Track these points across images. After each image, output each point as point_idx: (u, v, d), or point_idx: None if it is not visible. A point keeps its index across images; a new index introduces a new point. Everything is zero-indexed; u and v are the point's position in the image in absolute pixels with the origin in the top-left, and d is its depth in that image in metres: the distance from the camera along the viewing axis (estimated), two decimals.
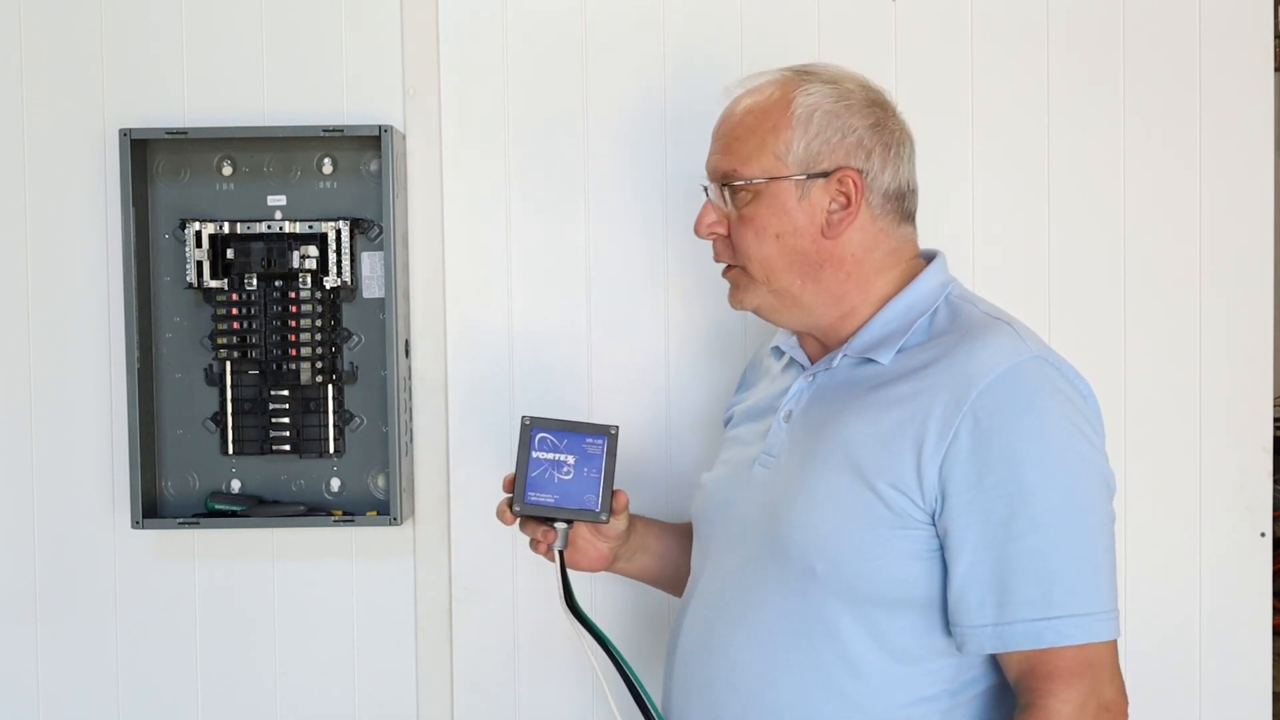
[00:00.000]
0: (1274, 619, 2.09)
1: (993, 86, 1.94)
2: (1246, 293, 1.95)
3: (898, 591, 1.36)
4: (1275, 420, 2.09)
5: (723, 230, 1.48)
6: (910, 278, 1.48)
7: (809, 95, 1.43)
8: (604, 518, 1.54)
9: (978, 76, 1.95)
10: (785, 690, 1.39)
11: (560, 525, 1.56)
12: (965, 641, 1.34)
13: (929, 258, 1.51)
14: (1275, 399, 2.07)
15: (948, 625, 1.36)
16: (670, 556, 1.72)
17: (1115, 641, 1.33)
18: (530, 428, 1.54)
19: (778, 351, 1.61)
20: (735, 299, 1.51)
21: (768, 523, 1.44)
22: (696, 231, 1.50)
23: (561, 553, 1.58)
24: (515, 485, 1.55)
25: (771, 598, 1.41)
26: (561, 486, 1.54)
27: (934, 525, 1.35)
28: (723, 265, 1.53)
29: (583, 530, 1.59)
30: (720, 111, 1.51)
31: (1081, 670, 1.30)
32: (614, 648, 1.58)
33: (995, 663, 1.38)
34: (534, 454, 1.54)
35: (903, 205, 1.49)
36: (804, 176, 1.43)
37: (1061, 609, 1.30)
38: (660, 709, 1.57)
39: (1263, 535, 1.96)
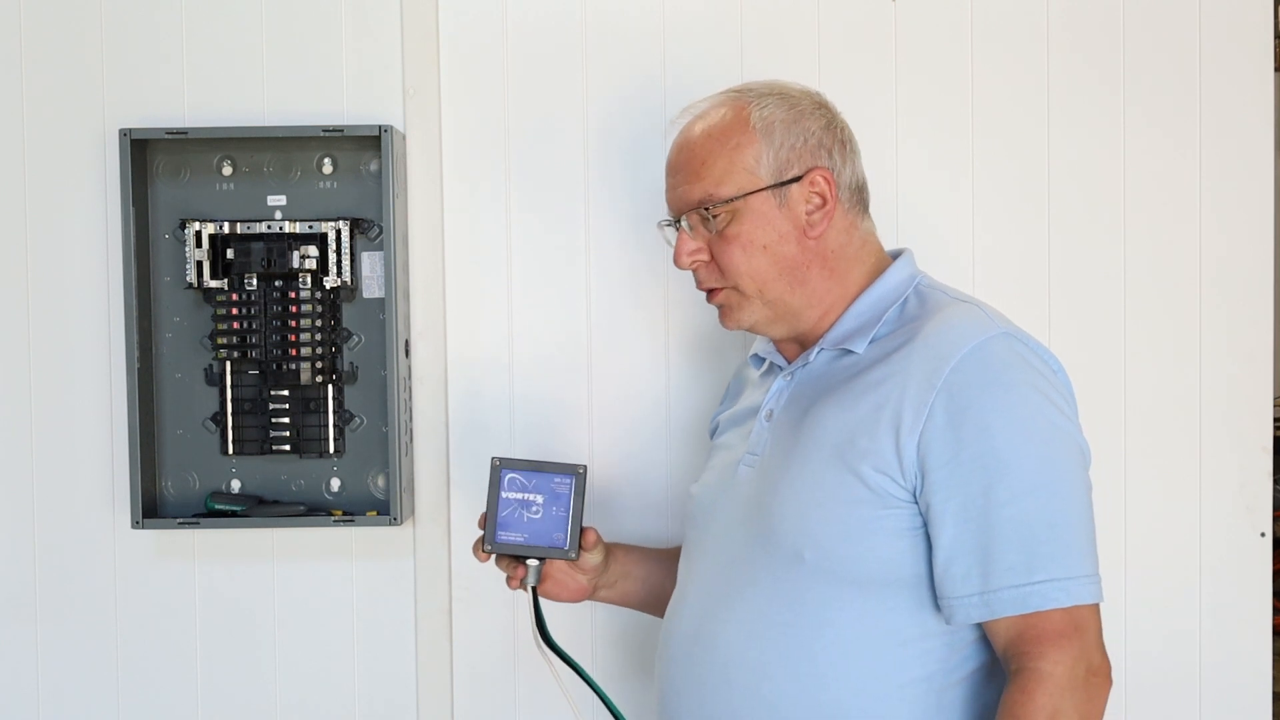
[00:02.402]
0: (1274, 619, 2.09)
1: (993, 86, 1.94)
2: (1246, 293, 1.95)
3: (886, 571, 1.38)
4: (1275, 420, 2.09)
5: (705, 257, 1.51)
6: (880, 272, 1.52)
7: (762, 108, 1.48)
8: (573, 555, 1.60)
9: (978, 76, 1.95)
10: (778, 680, 1.41)
11: (532, 562, 1.61)
12: (953, 613, 1.36)
13: (895, 255, 1.56)
14: (1275, 399, 2.07)
15: (936, 603, 1.38)
16: (654, 581, 1.75)
17: (1099, 607, 1.36)
18: (499, 468, 1.59)
19: (757, 359, 1.65)
20: (730, 319, 1.53)
21: (754, 517, 1.46)
22: (677, 264, 1.53)
23: (534, 589, 1.62)
24: (486, 525, 1.60)
25: (760, 589, 1.43)
26: (531, 526, 1.59)
27: (916, 503, 1.38)
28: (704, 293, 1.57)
29: (559, 564, 1.65)
30: (669, 146, 1.55)
31: (1070, 633, 1.33)
32: (589, 678, 1.64)
33: (986, 641, 1.40)
34: (503, 494, 1.59)
35: (863, 198, 1.54)
36: (779, 184, 1.47)
37: (1044, 573, 1.32)
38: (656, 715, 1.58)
39: (1263, 535, 1.96)
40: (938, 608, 1.38)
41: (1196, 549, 1.95)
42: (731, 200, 1.47)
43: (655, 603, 1.74)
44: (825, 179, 1.48)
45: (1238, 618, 1.96)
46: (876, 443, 1.37)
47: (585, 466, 1.59)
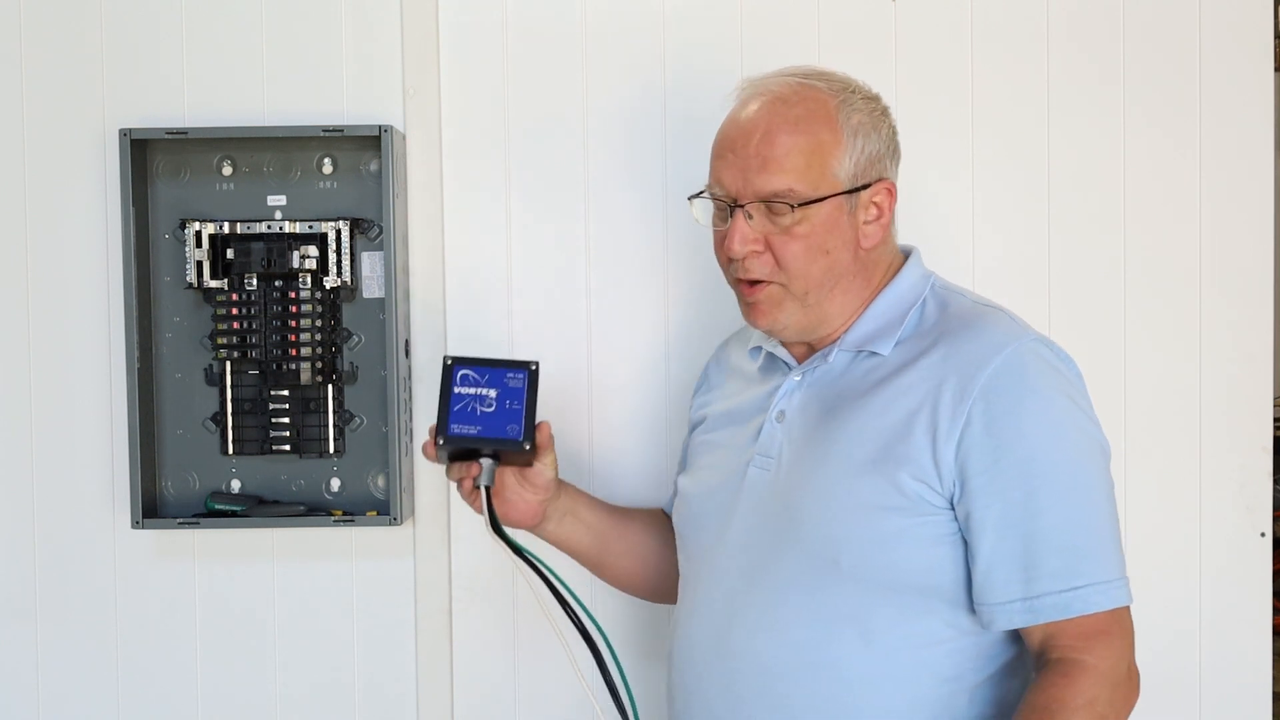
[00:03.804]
0: (1274, 619, 2.09)
1: (993, 86, 1.94)
2: (1246, 293, 1.95)
3: (922, 578, 1.39)
4: (1275, 420, 2.09)
5: (759, 248, 1.44)
6: (894, 270, 1.51)
7: (849, 109, 1.44)
8: (527, 446, 1.51)
9: (978, 76, 1.95)
10: (815, 685, 1.40)
11: (486, 461, 1.55)
12: (994, 618, 1.37)
13: (905, 252, 1.55)
14: (1275, 399, 2.07)
15: (969, 605, 1.39)
16: (601, 530, 1.68)
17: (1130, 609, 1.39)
18: (452, 366, 1.53)
19: (756, 352, 1.60)
20: (765, 317, 1.47)
21: (780, 522, 1.44)
22: (729, 251, 1.45)
23: (488, 489, 1.55)
24: (438, 420, 1.53)
25: (793, 596, 1.42)
26: (484, 419, 1.52)
27: (951, 509, 1.38)
28: (722, 278, 1.52)
29: (510, 478, 1.58)
30: (732, 119, 1.47)
31: (1115, 631, 1.35)
32: (551, 571, 1.55)
33: (1009, 637, 1.42)
34: (456, 389, 1.53)
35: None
36: (851, 191, 1.44)
37: (1085, 578, 1.34)
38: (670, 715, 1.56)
39: (1263, 535, 1.96)
40: (970, 610, 1.39)
41: (1196, 549, 1.95)
42: (812, 202, 1.41)
43: (597, 556, 1.69)
44: (889, 191, 1.47)
45: (1238, 618, 1.96)
46: (913, 450, 1.37)
47: (538, 363, 1.56)
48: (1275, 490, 2.18)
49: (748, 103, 1.46)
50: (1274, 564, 2.06)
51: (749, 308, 1.48)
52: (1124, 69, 1.95)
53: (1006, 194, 1.95)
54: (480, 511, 1.55)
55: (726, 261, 1.49)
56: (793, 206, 1.41)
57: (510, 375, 1.54)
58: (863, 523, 1.38)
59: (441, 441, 1.52)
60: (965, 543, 1.38)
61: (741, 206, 1.44)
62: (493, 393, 1.53)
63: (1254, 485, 1.96)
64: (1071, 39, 1.94)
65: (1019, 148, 1.95)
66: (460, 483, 1.56)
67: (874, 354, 1.45)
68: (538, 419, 1.55)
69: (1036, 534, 1.35)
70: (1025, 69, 1.94)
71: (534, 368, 1.55)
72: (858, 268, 1.47)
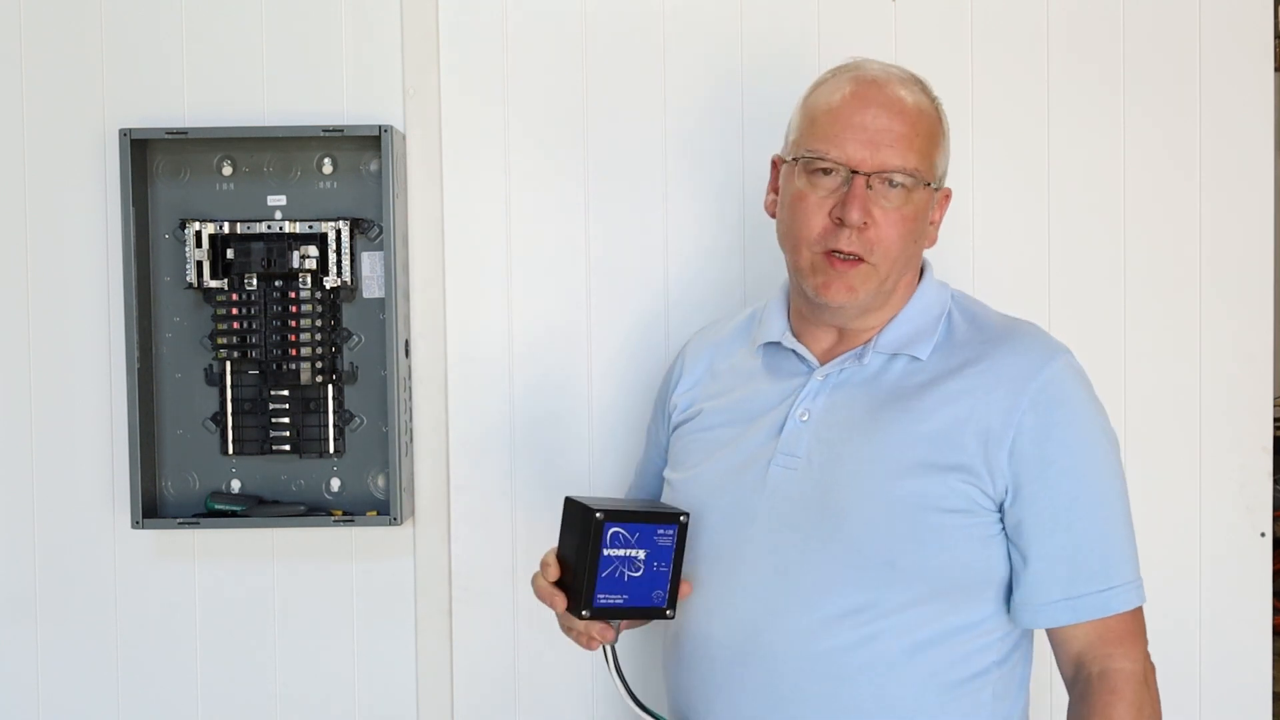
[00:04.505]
0: (1274, 619, 2.09)
1: (993, 86, 1.95)
2: (1246, 293, 1.95)
3: (969, 577, 1.43)
4: (1275, 420, 2.09)
5: (870, 220, 1.44)
6: (916, 276, 1.54)
7: (943, 112, 1.51)
8: (670, 614, 1.46)
9: (978, 76, 1.95)
10: (857, 684, 1.41)
11: (617, 623, 1.46)
12: (1037, 616, 1.43)
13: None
14: (1275, 399, 2.07)
15: (1004, 600, 1.45)
16: None
17: None
18: (603, 522, 1.40)
19: (764, 347, 1.57)
20: (850, 292, 1.45)
21: (823, 524, 1.43)
22: (850, 219, 1.42)
23: (614, 647, 1.47)
24: (579, 583, 1.42)
25: (838, 597, 1.42)
26: (631, 585, 1.42)
27: (998, 511, 1.43)
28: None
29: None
30: (853, 91, 1.45)
31: (1139, 631, 1.44)
32: None
33: (1022, 633, 1.48)
34: (605, 551, 1.40)
35: None
36: (937, 188, 1.50)
37: (1119, 578, 1.42)
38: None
39: (1263, 535, 1.96)
40: (1002, 604, 1.45)
41: (1196, 549, 1.96)
42: (930, 186, 1.46)
43: None
44: (947, 198, 1.54)
45: (1238, 617, 1.96)
46: (965, 455, 1.41)
47: (688, 514, 1.45)
48: (1275, 490, 2.18)
49: (870, 80, 1.46)
50: (1274, 564, 2.06)
51: (831, 279, 1.45)
52: (1124, 69, 1.95)
53: (1006, 194, 1.95)
54: (607, 662, 1.47)
55: (821, 233, 1.45)
56: (927, 184, 1.46)
57: (660, 532, 1.43)
58: (920, 523, 1.41)
59: (586, 614, 1.42)
60: (1007, 541, 1.44)
61: (865, 175, 1.43)
62: (641, 554, 1.42)
63: (1254, 485, 1.96)
64: (1071, 39, 1.94)
65: (1019, 148, 1.95)
66: (589, 639, 1.48)
67: (911, 358, 1.48)
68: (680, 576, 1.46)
69: (1080, 535, 1.42)
70: (1025, 69, 1.94)
71: (684, 520, 1.44)
72: (915, 265, 1.52)
